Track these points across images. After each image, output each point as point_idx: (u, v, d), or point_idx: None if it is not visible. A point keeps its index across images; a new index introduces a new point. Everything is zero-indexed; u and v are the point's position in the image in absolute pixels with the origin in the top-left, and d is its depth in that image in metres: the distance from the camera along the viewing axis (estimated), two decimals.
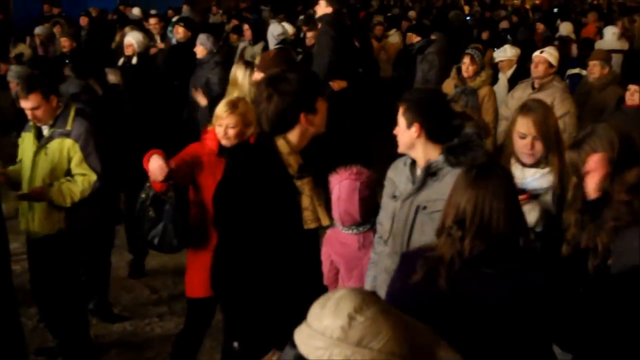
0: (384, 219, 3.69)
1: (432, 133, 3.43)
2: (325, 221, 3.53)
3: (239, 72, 5.87)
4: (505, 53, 8.56)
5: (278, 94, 3.35)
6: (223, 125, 4.45)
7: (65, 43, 10.00)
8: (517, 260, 2.69)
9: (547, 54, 6.93)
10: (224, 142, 4.47)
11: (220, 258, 3.46)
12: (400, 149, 3.55)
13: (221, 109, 4.49)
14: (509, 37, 12.64)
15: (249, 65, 5.94)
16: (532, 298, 2.63)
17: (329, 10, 8.25)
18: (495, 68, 8.77)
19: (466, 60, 7.47)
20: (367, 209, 3.97)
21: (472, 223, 2.66)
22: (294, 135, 3.43)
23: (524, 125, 3.90)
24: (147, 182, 4.43)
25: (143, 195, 4.48)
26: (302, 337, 1.90)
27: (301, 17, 14.31)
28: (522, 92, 6.97)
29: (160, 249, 4.60)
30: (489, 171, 2.75)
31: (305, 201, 3.44)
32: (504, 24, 15.25)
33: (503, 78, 8.34)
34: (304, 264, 3.56)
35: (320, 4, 8.49)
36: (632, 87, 6.55)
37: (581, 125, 6.71)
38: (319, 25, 7.92)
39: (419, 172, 3.51)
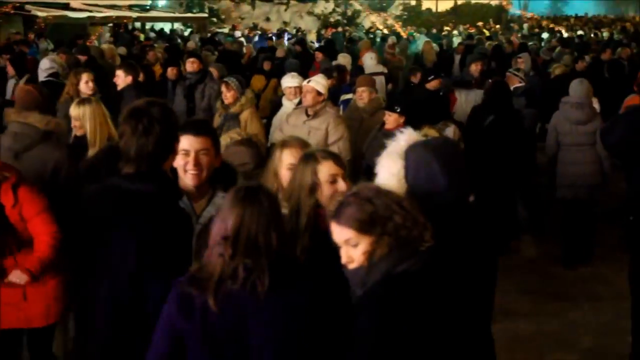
0: None
1: None
2: None
3: None
4: (292, 80, 8.53)
5: (159, 123, 3.21)
6: None
7: None
8: (286, 278, 2.77)
9: (315, 83, 7.07)
10: None
11: None
12: None
13: None
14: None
15: None
16: (296, 317, 2.75)
17: (129, 79, 8.14)
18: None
19: (223, 88, 7.58)
20: None
21: (238, 240, 2.72)
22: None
23: (294, 156, 3.80)
24: None
25: None
26: None
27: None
28: (296, 119, 7.09)
29: None
30: (256, 192, 2.82)
31: None
32: (280, 53, 15.64)
33: (289, 104, 8.29)
34: None
35: (118, 74, 8.32)
36: (387, 113, 6.80)
37: (355, 148, 7.00)
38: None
39: None
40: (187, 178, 3.53)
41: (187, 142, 3.49)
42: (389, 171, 3.27)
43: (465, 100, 9.68)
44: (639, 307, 5.34)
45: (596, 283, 7.44)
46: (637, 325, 5.37)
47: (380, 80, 11.14)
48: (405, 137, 3.33)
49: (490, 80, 9.38)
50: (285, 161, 3.78)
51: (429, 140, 3.48)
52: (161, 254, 3.12)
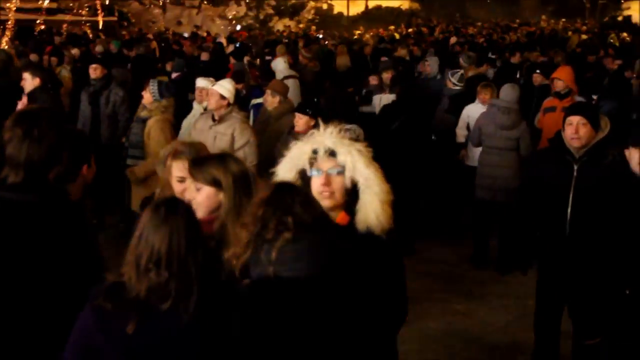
0: None
1: None
2: None
3: None
4: (201, 82, 8.50)
5: (52, 130, 3.03)
6: None
7: None
8: (213, 296, 2.69)
9: (218, 87, 6.97)
10: None
11: None
12: None
13: None
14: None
15: None
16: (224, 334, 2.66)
17: (37, 82, 7.85)
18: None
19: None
20: None
21: (170, 261, 2.62)
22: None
23: (180, 169, 3.70)
24: None
25: None
26: None
27: None
28: (204, 124, 7.00)
29: None
30: (176, 207, 2.73)
31: None
32: (205, 56, 15.80)
33: (198, 108, 8.28)
34: None
35: (25, 77, 7.99)
36: (297, 115, 6.86)
37: (261, 151, 6.95)
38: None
39: None
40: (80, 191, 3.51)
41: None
42: None
43: (380, 103, 9.83)
44: (539, 309, 5.55)
45: (504, 282, 7.59)
46: (537, 324, 5.58)
47: (294, 83, 11.17)
48: None
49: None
50: (174, 174, 3.71)
51: None
52: (58, 267, 2.95)
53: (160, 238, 2.64)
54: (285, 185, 2.84)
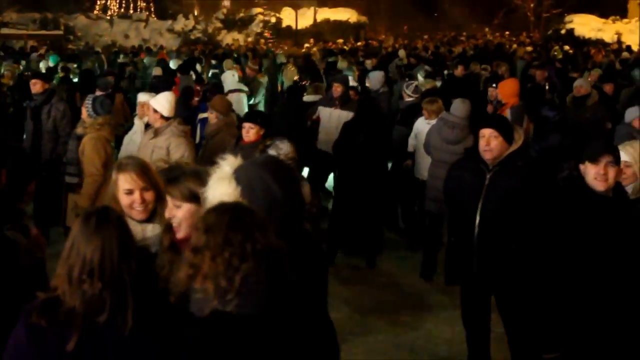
0: None
1: None
2: None
3: None
4: (142, 96, 8.42)
5: None
6: None
7: None
8: (151, 309, 2.64)
9: (153, 101, 6.93)
10: None
11: None
12: None
13: None
14: None
15: None
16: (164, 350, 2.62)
17: None
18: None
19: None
20: None
21: (103, 272, 2.56)
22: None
23: (128, 181, 3.55)
24: None
25: None
26: None
27: None
28: (146, 137, 6.95)
29: None
30: (107, 217, 2.67)
31: None
32: (157, 71, 15.67)
33: (139, 123, 8.10)
34: None
35: None
36: (247, 125, 6.88)
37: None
38: None
39: None
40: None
41: None
42: (224, 193, 3.14)
43: (329, 119, 9.84)
44: (465, 319, 5.70)
45: (451, 293, 7.59)
46: (469, 334, 5.72)
47: (238, 96, 11.15)
48: (229, 162, 3.21)
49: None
50: (121, 186, 3.56)
51: (255, 159, 3.42)
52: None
53: (92, 248, 2.58)
54: (241, 207, 2.74)
